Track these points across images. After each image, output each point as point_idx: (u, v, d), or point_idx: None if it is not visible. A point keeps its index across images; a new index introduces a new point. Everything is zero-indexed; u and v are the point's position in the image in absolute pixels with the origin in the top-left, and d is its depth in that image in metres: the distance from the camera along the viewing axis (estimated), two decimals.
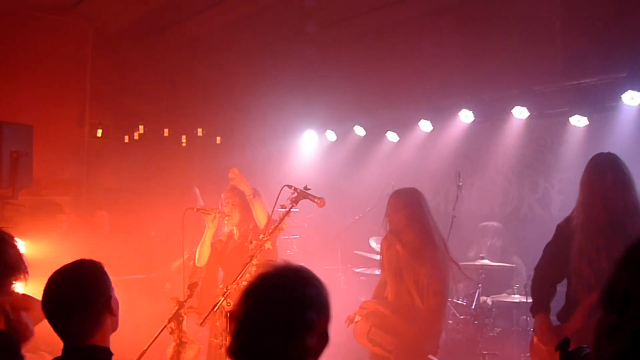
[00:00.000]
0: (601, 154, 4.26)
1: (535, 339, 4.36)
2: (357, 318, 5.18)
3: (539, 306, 4.28)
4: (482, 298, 6.73)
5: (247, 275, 4.40)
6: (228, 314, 2.05)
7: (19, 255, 3.07)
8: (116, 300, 2.61)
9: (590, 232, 3.97)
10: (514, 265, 7.10)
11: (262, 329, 1.92)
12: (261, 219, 5.43)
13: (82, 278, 2.56)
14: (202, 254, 5.61)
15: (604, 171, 4.09)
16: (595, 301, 3.75)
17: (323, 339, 2.00)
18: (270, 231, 4.68)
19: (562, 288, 4.35)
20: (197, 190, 8.11)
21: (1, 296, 2.93)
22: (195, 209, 5.54)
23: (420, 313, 4.87)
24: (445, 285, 4.93)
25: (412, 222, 5.06)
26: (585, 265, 3.97)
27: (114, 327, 2.62)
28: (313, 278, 2.07)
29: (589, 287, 3.94)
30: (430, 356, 4.80)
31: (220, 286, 5.25)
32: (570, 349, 1.87)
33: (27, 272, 3.05)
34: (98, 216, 7.95)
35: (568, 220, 4.23)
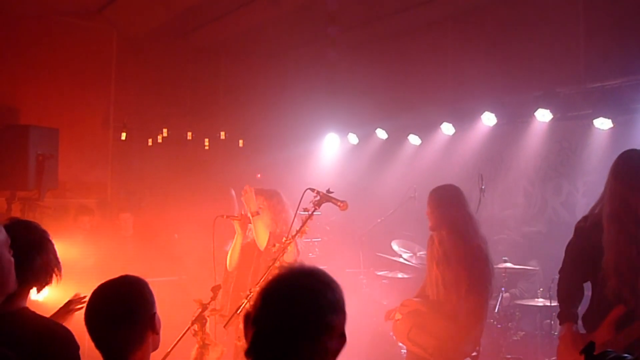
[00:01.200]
0: (635, 149, 4.21)
1: (561, 347, 4.31)
2: (398, 316, 5.14)
3: (565, 315, 4.21)
4: (504, 295, 6.68)
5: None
6: (244, 315, 2.03)
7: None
8: (159, 318, 2.59)
9: (624, 221, 3.88)
10: (537, 268, 7.05)
11: (283, 332, 1.92)
12: (261, 240, 5.42)
13: (127, 294, 2.53)
14: (232, 258, 5.66)
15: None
16: (623, 313, 3.70)
17: (341, 339, 2.02)
18: (293, 234, 4.69)
19: (587, 292, 4.30)
20: (233, 193, 8.15)
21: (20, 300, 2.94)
22: (225, 216, 5.56)
23: (460, 313, 4.82)
24: (483, 286, 4.82)
25: (442, 221, 5.01)
26: (616, 254, 3.88)
27: (155, 346, 2.60)
28: (330, 280, 2.05)
29: (618, 288, 3.86)
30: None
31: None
32: (595, 354, 1.86)
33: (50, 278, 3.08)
34: (122, 218, 8.03)
35: (586, 218, 4.17)
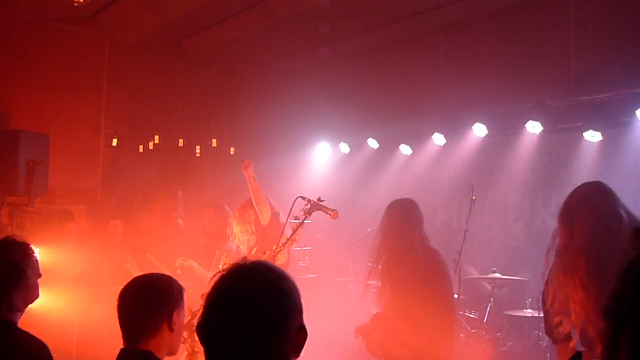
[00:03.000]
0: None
1: None
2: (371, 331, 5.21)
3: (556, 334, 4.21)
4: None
5: None
6: (196, 326, 1.87)
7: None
8: (180, 320, 2.80)
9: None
10: (525, 279, 7.07)
11: (236, 346, 1.79)
12: (262, 207, 5.51)
13: (158, 284, 2.80)
14: None
15: None
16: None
17: (301, 334, 1.87)
18: (284, 242, 4.70)
19: None
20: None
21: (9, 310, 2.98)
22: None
23: (429, 322, 4.88)
24: (443, 296, 4.93)
25: (388, 235, 5.12)
26: None
27: (172, 348, 2.82)
28: (278, 277, 1.89)
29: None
30: None
31: None
32: None
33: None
34: (112, 225, 7.99)
35: None
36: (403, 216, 5.15)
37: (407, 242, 5.04)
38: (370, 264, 5.50)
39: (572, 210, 3.88)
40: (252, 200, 5.59)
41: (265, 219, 5.49)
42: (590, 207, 3.83)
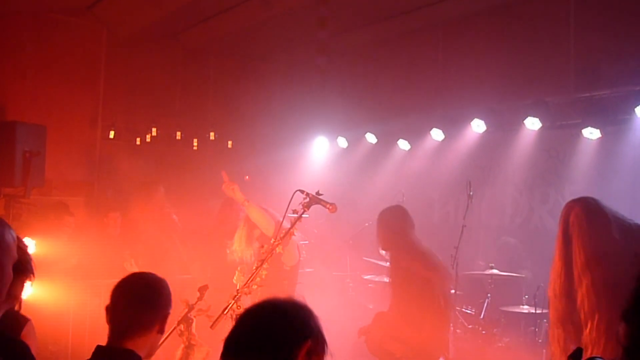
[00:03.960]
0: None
1: None
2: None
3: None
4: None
5: (258, 279, 4.41)
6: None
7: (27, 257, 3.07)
8: (165, 328, 2.78)
9: None
10: (523, 275, 7.07)
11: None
12: (265, 225, 5.43)
13: (157, 284, 2.80)
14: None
15: None
16: None
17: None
18: (282, 236, 4.68)
19: None
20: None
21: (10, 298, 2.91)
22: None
23: (423, 320, 5.02)
24: (435, 296, 5.23)
25: (387, 243, 5.61)
26: None
27: (152, 349, 2.77)
28: (306, 311, 2.12)
29: None
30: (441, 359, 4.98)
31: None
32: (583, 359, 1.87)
33: (33, 274, 3.04)
34: (111, 217, 7.93)
35: None
36: (396, 227, 5.53)
37: (401, 250, 5.47)
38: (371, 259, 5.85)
39: (570, 229, 3.89)
40: (253, 220, 5.54)
41: (270, 233, 5.43)
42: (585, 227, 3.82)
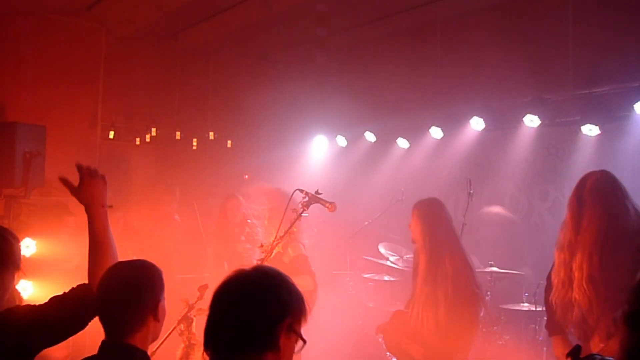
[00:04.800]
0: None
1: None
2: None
3: (554, 327, 4.22)
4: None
5: None
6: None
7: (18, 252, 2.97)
8: (164, 308, 2.68)
9: None
10: (523, 273, 7.08)
11: (233, 324, 1.99)
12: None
13: (138, 274, 2.64)
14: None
15: None
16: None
17: (291, 332, 2.05)
18: (282, 235, 4.69)
19: None
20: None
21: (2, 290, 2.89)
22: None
23: (448, 323, 4.90)
24: (470, 299, 4.97)
25: (424, 236, 5.12)
26: None
27: (155, 335, 2.68)
28: (280, 280, 2.11)
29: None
30: None
31: None
32: (581, 357, 1.87)
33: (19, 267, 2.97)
34: (114, 217, 7.93)
35: None
36: (440, 219, 5.21)
37: (440, 247, 5.09)
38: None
39: (583, 199, 3.90)
40: None
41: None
42: (600, 197, 3.84)
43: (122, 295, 2.58)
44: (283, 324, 2.00)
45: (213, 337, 2.03)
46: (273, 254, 4.73)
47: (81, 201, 3.09)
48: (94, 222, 3.06)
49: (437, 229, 5.11)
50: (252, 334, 1.97)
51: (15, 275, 2.93)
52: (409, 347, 5.03)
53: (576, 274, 3.80)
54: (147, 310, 2.59)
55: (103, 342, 2.59)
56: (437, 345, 4.87)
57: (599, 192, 3.87)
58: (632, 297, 1.65)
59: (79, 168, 3.12)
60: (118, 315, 2.57)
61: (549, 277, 4.27)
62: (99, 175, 3.20)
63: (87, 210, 3.08)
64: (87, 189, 3.12)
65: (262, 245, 4.77)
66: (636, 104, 6.46)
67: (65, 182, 3.14)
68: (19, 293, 3.12)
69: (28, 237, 6.37)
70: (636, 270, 1.97)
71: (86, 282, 2.91)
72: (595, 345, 3.78)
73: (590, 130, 6.91)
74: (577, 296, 3.78)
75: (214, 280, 2.18)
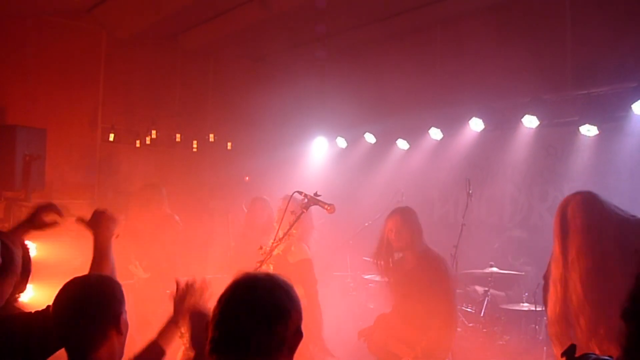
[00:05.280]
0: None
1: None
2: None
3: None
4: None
5: None
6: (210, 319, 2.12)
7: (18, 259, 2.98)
8: (126, 321, 2.62)
9: None
10: (522, 273, 7.09)
11: (240, 326, 2.02)
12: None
13: (94, 289, 2.58)
14: None
15: None
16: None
17: (298, 334, 2.09)
18: (281, 237, 4.71)
19: None
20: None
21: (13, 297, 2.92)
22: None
23: (430, 322, 5.01)
24: (449, 299, 5.24)
25: (408, 243, 5.46)
26: None
27: (120, 351, 2.62)
28: (283, 283, 2.15)
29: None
30: None
31: None
32: (576, 356, 1.88)
33: (17, 274, 2.98)
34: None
35: None
36: (415, 222, 5.56)
37: (419, 246, 5.46)
38: (373, 259, 5.76)
39: (567, 227, 3.90)
40: None
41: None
42: (584, 223, 3.84)
43: (79, 311, 2.51)
44: (293, 328, 2.05)
45: (221, 342, 2.03)
46: (272, 256, 4.74)
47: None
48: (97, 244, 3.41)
49: (421, 234, 5.55)
50: (266, 338, 2.01)
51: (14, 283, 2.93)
52: (396, 348, 5.14)
53: (573, 310, 3.80)
54: (107, 323, 2.53)
55: None
56: (423, 343, 5.02)
57: (582, 219, 3.86)
58: (629, 295, 1.66)
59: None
60: (77, 331, 2.50)
61: (545, 277, 4.30)
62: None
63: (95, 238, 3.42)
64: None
65: (261, 247, 4.78)
66: (634, 104, 6.48)
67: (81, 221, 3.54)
68: (17, 300, 3.10)
69: (28, 240, 6.37)
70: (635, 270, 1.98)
71: None
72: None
73: (588, 130, 6.93)
74: (578, 335, 3.79)
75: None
